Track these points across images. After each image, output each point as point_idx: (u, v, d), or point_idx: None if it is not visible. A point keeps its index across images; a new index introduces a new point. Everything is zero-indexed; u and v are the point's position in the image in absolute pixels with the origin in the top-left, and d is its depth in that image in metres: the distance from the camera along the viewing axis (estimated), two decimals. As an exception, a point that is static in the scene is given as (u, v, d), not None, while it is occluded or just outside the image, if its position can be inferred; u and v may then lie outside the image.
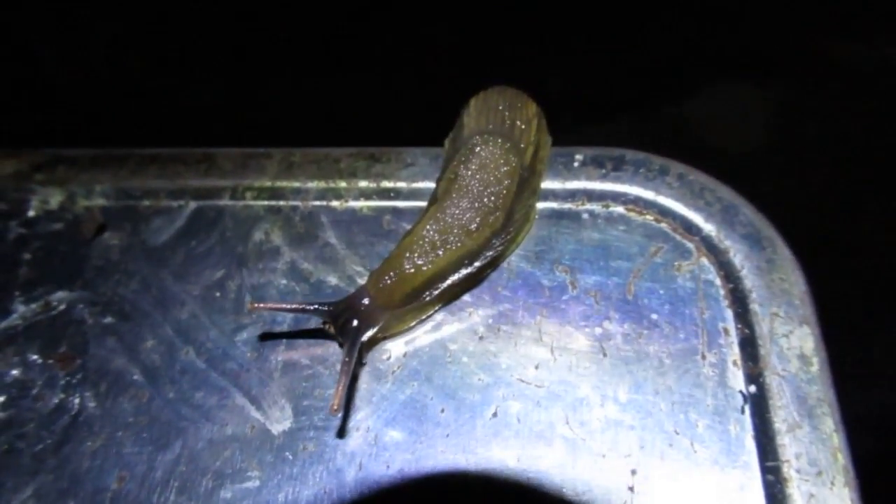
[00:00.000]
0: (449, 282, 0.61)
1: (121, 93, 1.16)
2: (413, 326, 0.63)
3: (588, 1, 1.28)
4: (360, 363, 0.60)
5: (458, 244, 0.60)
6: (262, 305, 0.60)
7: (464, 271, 0.61)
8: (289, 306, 0.61)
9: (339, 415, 0.59)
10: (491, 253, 0.62)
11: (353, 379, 0.60)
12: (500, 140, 0.63)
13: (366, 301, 0.58)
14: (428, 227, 0.60)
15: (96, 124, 1.09)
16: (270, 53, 1.18)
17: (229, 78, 1.19)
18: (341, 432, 0.58)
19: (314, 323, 0.62)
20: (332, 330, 0.59)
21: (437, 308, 0.63)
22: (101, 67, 1.18)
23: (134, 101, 1.16)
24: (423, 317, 0.63)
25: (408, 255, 0.59)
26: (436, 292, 0.60)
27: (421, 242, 0.59)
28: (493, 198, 0.61)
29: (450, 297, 0.64)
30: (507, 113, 0.66)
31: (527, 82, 0.70)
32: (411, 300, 0.59)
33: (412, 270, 0.58)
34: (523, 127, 0.66)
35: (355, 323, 0.57)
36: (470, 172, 0.62)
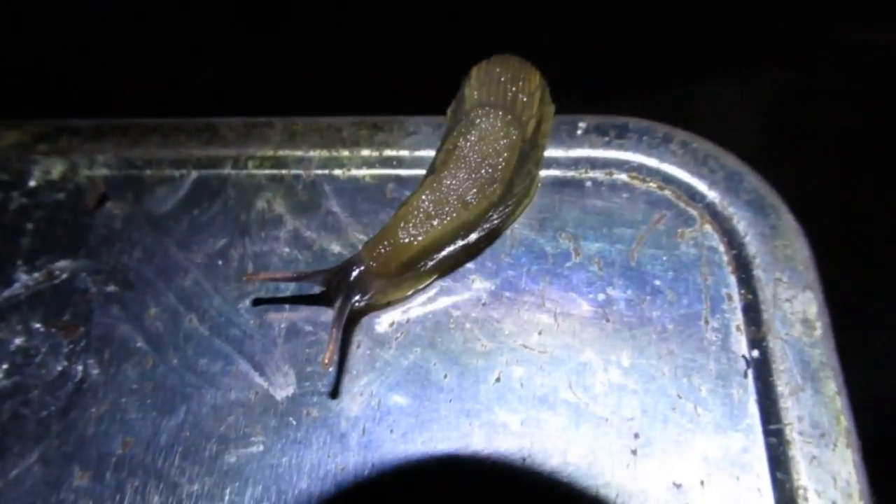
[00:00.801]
0: (445, 252, 0.60)
1: (118, 66, 1.16)
2: (411, 295, 0.63)
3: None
4: (350, 325, 0.60)
5: (454, 215, 0.59)
6: (257, 276, 0.60)
7: (460, 242, 0.61)
8: (283, 275, 0.61)
9: (342, 379, 0.59)
10: (488, 225, 0.62)
11: (357, 345, 0.61)
12: (500, 113, 0.63)
13: (361, 268, 0.58)
14: (424, 197, 0.60)
15: (94, 98, 1.08)
16: (270, 23, 1.17)
17: (229, 48, 1.18)
18: (345, 397, 0.58)
19: (317, 290, 0.62)
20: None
21: (434, 278, 0.63)
22: (98, 40, 1.17)
23: (132, 74, 1.15)
24: (421, 286, 0.63)
25: (402, 224, 0.59)
26: (431, 263, 0.60)
27: (416, 212, 0.59)
28: (491, 170, 0.61)
29: (448, 268, 0.64)
30: (509, 85, 0.65)
31: (528, 56, 0.69)
32: (407, 270, 0.59)
33: (407, 240, 0.58)
34: (525, 100, 0.65)
35: (348, 285, 0.57)
36: (469, 144, 0.62)
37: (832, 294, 0.61)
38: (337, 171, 0.70)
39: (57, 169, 0.72)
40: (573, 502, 0.53)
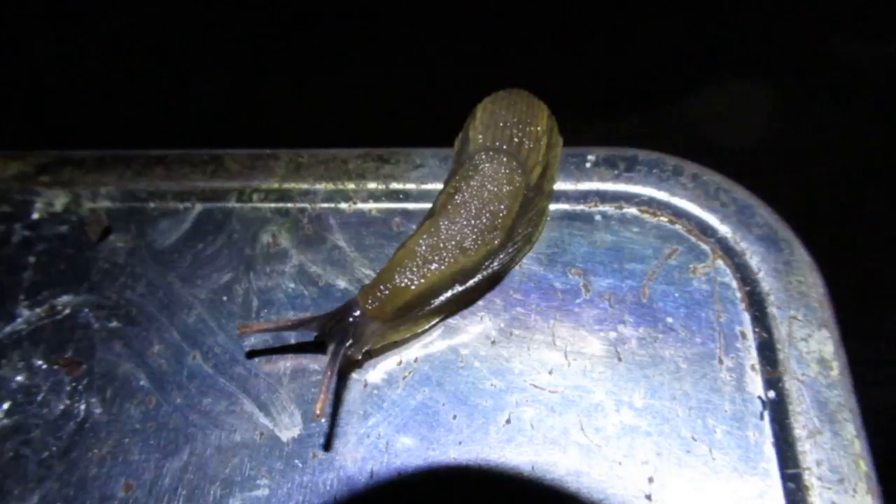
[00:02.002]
0: (443, 298, 0.59)
1: (121, 94, 1.16)
2: (408, 339, 0.61)
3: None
4: (357, 365, 0.59)
5: (452, 261, 0.58)
6: (251, 328, 0.58)
7: (458, 288, 0.59)
8: (277, 324, 0.59)
9: (349, 419, 0.58)
10: (487, 272, 0.61)
11: (364, 385, 0.60)
12: (505, 158, 0.61)
13: (357, 313, 0.56)
14: (421, 241, 0.58)
15: (97, 126, 1.08)
16: (275, 52, 1.17)
17: (234, 77, 1.18)
18: (351, 438, 0.57)
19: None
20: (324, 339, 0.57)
21: (433, 322, 0.62)
22: (101, 68, 1.17)
23: (134, 103, 1.15)
24: (419, 330, 0.61)
25: (399, 269, 0.57)
26: (429, 307, 0.59)
27: (413, 257, 0.58)
28: (491, 217, 0.59)
29: (446, 313, 0.62)
30: (515, 130, 0.63)
31: (532, 80, 0.68)
32: (403, 314, 0.58)
33: (404, 285, 0.57)
34: (531, 145, 0.63)
35: (342, 332, 0.56)
36: (470, 189, 0.60)
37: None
38: (343, 205, 0.69)
39: (60, 201, 0.71)
40: (586, 549, 0.52)
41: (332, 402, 0.58)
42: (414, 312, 0.58)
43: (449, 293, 0.59)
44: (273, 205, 0.70)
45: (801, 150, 1.33)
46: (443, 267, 0.58)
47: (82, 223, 0.70)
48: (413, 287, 0.57)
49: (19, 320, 0.65)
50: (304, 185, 0.70)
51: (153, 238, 0.69)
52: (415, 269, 0.57)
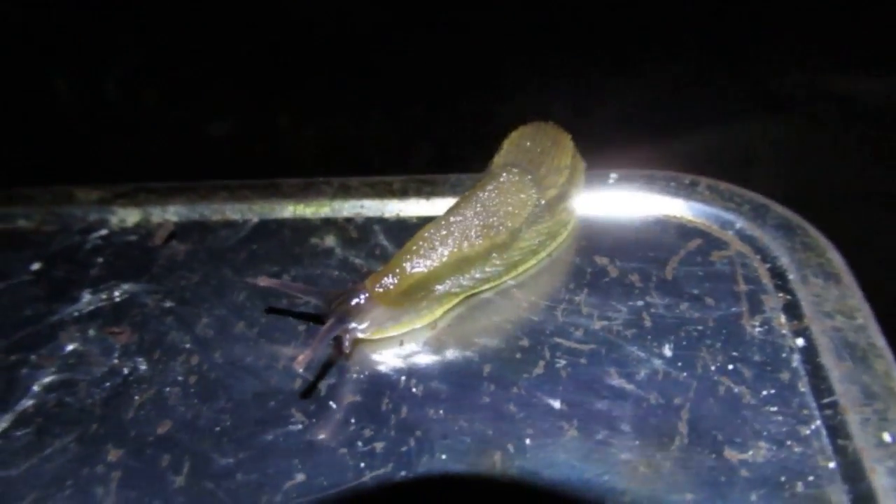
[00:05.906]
0: (445, 286, 0.62)
1: (137, 130, 1.22)
2: (408, 333, 0.63)
3: (607, 36, 1.38)
4: (342, 352, 0.60)
5: (455, 249, 0.61)
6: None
7: (461, 281, 0.63)
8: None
9: (383, 370, 0.59)
10: (490, 269, 0.64)
11: (399, 343, 0.62)
12: (520, 172, 0.66)
13: (364, 295, 0.60)
14: (431, 231, 0.62)
15: (115, 160, 1.15)
16: (306, 90, 1.25)
17: (265, 116, 1.25)
18: (385, 385, 0.58)
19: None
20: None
21: (435, 317, 0.64)
22: (117, 103, 1.26)
23: (151, 138, 1.22)
24: (419, 324, 0.63)
25: (406, 255, 0.61)
26: (432, 296, 0.62)
27: (421, 243, 0.62)
28: (501, 217, 0.63)
29: (447, 307, 0.65)
30: (537, 157, 0.69)
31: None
32: (406, 299, 0.61)
33: (409, 269, 0.60)
34: (550, 170, 0.68)
35: (345, 312, 0.59)
36: (484, 193, 0.65)
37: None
38: (388, 216, 0.76)
39: (132, 218, 0.79)
40: (624, 478, 0.50)
41: (368, 356, 0.60)
42: (416, 299, 0.61)
43: (450, 282, 0.62)
44: (323, 216, 0.77)
45: (811, 181, 1.34)
46: (447, 253, 0.61)
47: (150, 233, 0.77)
48: (416, 270, 0.60)
49: (81, 302, 0.69)
50: (353, 202, 0.78)
51: (212, 242, 0.75)
52: (422, 253, 0.61)
